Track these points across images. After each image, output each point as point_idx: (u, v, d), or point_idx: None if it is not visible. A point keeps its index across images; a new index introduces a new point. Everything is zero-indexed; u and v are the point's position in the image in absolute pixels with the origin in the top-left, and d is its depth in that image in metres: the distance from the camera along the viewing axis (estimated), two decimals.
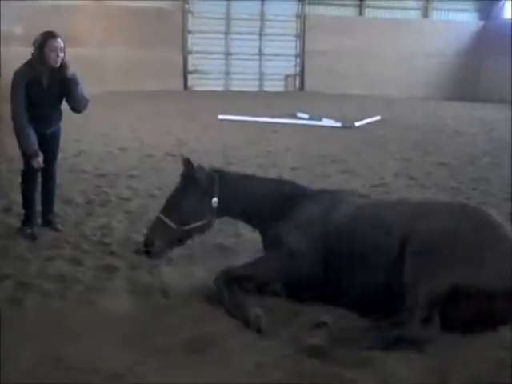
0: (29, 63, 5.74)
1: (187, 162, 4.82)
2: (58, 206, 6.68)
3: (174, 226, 4.63)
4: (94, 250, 5.80)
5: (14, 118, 5.75)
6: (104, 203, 7.52)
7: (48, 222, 6.29)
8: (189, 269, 5.29)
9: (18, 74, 5.72)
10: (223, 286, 4.42)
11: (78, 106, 6.03)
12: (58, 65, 5.72)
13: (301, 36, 27.16)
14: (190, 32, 25.93)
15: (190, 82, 25.96)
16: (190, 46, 26.04)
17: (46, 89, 5.78)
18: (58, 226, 6.31)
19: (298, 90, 27.11)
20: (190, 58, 26.03)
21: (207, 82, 26.03)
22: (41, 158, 5.83)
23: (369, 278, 4.21)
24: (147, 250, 4.64)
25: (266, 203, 4.88)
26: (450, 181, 9.48)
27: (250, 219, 5.06)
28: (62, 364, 3.63)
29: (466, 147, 12.94)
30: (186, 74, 25.85)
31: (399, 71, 26.08)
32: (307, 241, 4.48)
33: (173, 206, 4.75)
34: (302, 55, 27.19)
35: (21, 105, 5.68)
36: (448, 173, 10.12)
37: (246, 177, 5.14)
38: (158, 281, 5.01)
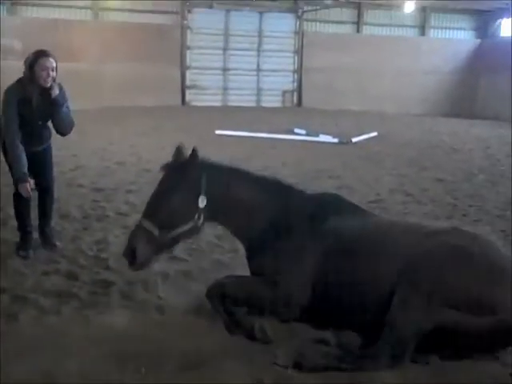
0: (20, 81, 5.67)
1: (179, 151, 4.51)
2: (54, 221, 6.67)
3: (156, 232, 4.22)
4: (91, 264, 5.80)
5: (6, 135, 5.64)
6: (101, 218, 7.52)
7: (45, 238, 6.21)
8: (185, 284, 5.29)
9: (9, 92, 5.63)
10: (216, 301, 4.34)
11: (60, 128, 5.93)
12: (49, 84, 5.61)
13: (298, 52, 27.29)
14: (188, 48, 26.04)
15: (187, 98, 26.02)
16: (188, 61, 26.12)
17: (35, 108, 5.66)
18: (57, 242, 6.24)
19: (296, 106, 27.18)
20: (188, 73, 26.11)
21: (205, 98, 26.09)
22: (29, 184, 5.66)
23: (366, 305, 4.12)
24: (129, 260, 4.27)
25: (255, 211, 4.50)
26: (446, 197, 9.51)
27: (235, 228, 4.62)
28: (54, 380, 3.61)
29: (462, 164, 12.99)
30: (183, 89, 25.92)
31: (396, 88, 26.20)
32: (298, 271, 4.29)
33: (155, 207, 4.30)
34: (299, 71, 27.29)
35: (13, 123, 5.58)
36: (444, 189, 10.15)
37: (235, 172, 4.74)
38: (154, 296, 5.01)
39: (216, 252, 6.15)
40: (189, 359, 3.89)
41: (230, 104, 26.24)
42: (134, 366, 3.79)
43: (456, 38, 28.86)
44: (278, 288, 4.25)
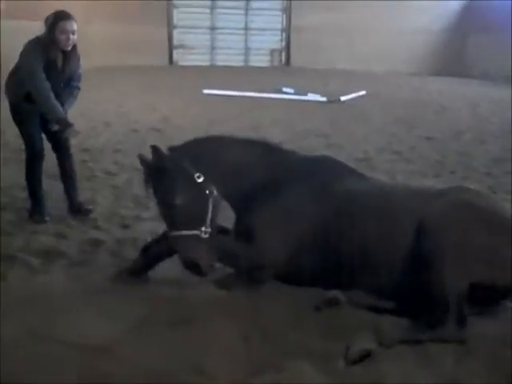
0: (40, 41, 5.41)
1: (159, 154, 4.19)
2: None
3: (196, 232, 4.08)
4: (79, 224, 5.80)
5: (32, 82, 5.36)
6: (89, 178, 7.50)
7: (78, 207, 6.00)
8: None
9: (31, 46, 5.39)
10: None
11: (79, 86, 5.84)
12: (69, 48, 5.44)
13: (287, 11, 27.00)
14: (175, 6, 25.69)
15: (175, 57, 25.82)
16: (175, 20, 25.81)
17: (59, 70, 5.53)
18: (90, 207, 6.11)
19: (284, 65, 27.01)
20: (175, 32, 25.84)
21: (192, 57, 25.89)
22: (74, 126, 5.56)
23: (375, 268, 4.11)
24: (199, 272, 4.10)
25: (243, 174, 4.39)
26: (434, 155, 9.54)
27: (225, 194, 4.40)
28: (43, 338, 3.62)
29: (451, 122, 13.00)
30: (171, 48, 25.67)
31: (385, 47, 26.03)
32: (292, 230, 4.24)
33: (178, 215, 4.07)
34: (287, 30, 27.05)
35: (40, 72, 5.33)
36: (432, 147, 10.18)
37: (216, 141, 4.52)
38: None
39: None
40: (177, 315, 3.92)
41: (218, 63, 26.06)
42: (122, 323, 3.82)
43: None
44: (253, 246, 4.22)
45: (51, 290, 4.29)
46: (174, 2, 25.58)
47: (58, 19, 5.37)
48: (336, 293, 4.10)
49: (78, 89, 5.87)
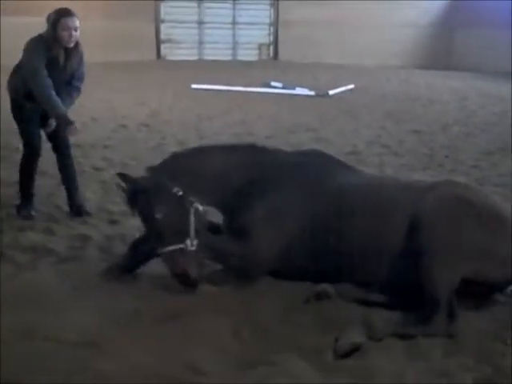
0: (43, 38, 5.38)
1: (128, 180, 4.29)
2: None
3: (182, 245, 4.09)
4: (67, 220, 5.78)
5: (34, 80, 5.31)
6: (78, 173, 7.43)
7: (78, 208, 5.90)
8: None
9: (34, 43, 5.36)
10: None
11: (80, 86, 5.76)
12: (72, 45, 5.39)
13: (274, 5, 26.93)
14: (162, 1, 25.58)
15: (162, 52, 25.65)
16: (162, 14, 25.69)
17: (62, 68, 5.47)
18: (88, 209, 5.98)
19: (272, 59, 26.93)
20: (162, 27, 25.70)
21: (180, 52, 25.74)
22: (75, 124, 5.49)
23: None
24: (189, 284, 4.13)
25: (226, 181, 4.40)
26: (422, 148, 9.57)
27: (215, 203, 4.49)
28: (32, 335, 3.60)
29: (439, 115, 13.03)
30: (158, 43, 25.55)
31: (374, 41, 26.01)
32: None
33: (166, 230, 4.10)
34: (275, 24, 26.97)
35: (42, 70, 5.28)
36: (420, 140, 10.21)
37: (201, 152, 4.54)
38: None
39: None
40: (167, 311, 3.91)
41: (206, 58, 25.94)
42: (112, 319, 3.81)
43: None
44: (245, 244, 4.24)
45: (39, 286, 4.25)
46: None
47: (59, 16, 5.31)
48: (326, 286, 4.11)
49: (78, 90, 5.77)
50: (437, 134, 10.88)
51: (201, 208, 4.26)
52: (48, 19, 5.38)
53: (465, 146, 9.86)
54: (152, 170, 4.33)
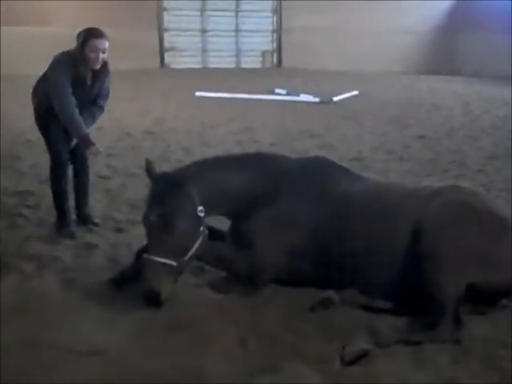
0: (70, 56, 5.28)
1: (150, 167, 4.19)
2: (34, 186, 6.63)
3: (174, 263, 3.96)
4: (73, 228, 5.77)
5: (56, 95, 5.21)
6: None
7: (85, 217, 5.87)
8: None
9: (60, 61, 5.26)
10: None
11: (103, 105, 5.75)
12: (98, 66, 5.32)
13: (277, 12, 26.98)
14: (165, 9, 25.66)
15: (166, 60, 25.71)
16: (165, 23, 25.77)
17: (87, 88, 5.42)
18: (96, 220, 5.92)
19: (276, 66, 26.97)
20: (166, 35, 25.78)
21: (184, 60, 25.80)
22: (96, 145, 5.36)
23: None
24: (155, 301, 3.94)
25: (243, 191, 4.37)
26: (427, 153, 9.55)
27: (222, 211, 4.48)
28: (38, 344, 3.60)
29: (443, 120, 13.01)
30: (162, 51, 25.61)
31: (376, 47, 26.03)
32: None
33: (162, 239, 3.98)
34: (278, 31, 27.02)
35: (67, 86, 5.20)
36: (425, 146, 10.19)
37: (216, 164, 4.48)
38: None
39: None
40: (173, 319, 3.90)
41: (210, 66, 25.99)
42: (118, 328, 3.81)
43: None
44: (251, 253, 4.24)
45: (45, 295, 4.26)
46: (165, 3, 25.52)
47: (89, 36, 5.22)
48: (330, 293, 4.11)
49: (102, 109, 5.73)
50: (442, 139, 10.86)
51: (206, 232, 4.21)
52: (78, 37, 5.27)
53: (470, 150, 9.84)
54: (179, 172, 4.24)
